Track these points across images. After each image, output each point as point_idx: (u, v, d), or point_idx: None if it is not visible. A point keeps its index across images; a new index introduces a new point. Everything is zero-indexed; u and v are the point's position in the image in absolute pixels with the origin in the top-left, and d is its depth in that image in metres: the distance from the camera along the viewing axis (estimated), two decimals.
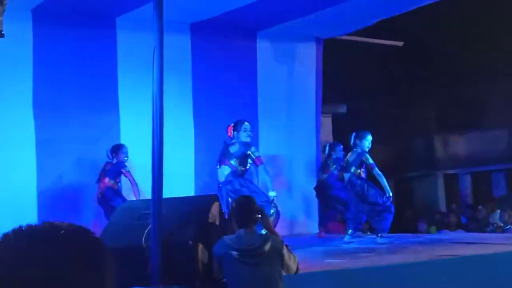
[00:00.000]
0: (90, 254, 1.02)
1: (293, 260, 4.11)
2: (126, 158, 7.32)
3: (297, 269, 4.17)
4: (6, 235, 1.02)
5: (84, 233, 1.05)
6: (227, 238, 4.08)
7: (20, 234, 1.02)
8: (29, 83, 7.47)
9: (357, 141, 7.44)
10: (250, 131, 7.03)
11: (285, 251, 4.04)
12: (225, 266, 4.07)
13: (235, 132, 7.01)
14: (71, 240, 1.02)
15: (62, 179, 7.55)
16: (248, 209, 4.15)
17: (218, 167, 7.06)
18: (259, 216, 4.21)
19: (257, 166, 7.01)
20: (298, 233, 8.86)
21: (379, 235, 7.19)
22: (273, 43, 9.32)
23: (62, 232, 1.02)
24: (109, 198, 7.14)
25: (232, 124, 7.09)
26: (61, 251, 0.99)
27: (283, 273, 4.08)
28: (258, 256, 3.98)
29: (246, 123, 7.04)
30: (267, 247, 3.97)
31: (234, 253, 3.97)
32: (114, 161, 7.31)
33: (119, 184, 7.36)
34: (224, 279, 4.15)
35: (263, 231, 4.30)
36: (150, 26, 4.55)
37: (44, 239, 1.00)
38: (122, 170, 7.24)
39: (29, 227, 1.03)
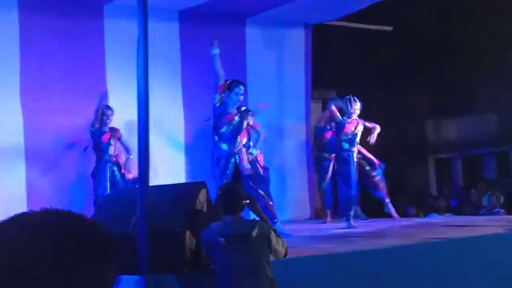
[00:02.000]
0: (91, 241, 1.01)
1: (281, 245, 4.12)
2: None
3: (286, 254, 4.18)
4: (5, 220, 1.01)
5: (86, 221, 1.04)
6: (215, 225, 4.09)
7: (19, 221, 1.01)
8: (16, 73, 7.43)
9: None
10: (241, 95, 6.72)
11: (272, 236, 4.06)
12: (212, 252, 4.09)
13: (227, 91, 6.74)
14: (71, 228, 1.01)
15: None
16: (234, 196, 4.16)
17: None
18: (247, 202, 4.22)
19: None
20: (288, 219, 8.89)
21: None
22: (262, 29, 9.30)
23: (62, 219, 1.01)
24: None
25: (228, 81, 6.80)
26: (61, 239, 0.98)
27: (272, 258, 4.11)
28: (245, 242, 3.99)
29: (241, 85, 6.74)
30: (255, 233, 3.99)
31: (221, 239, 3.99)
32: None
33: None
34: (212, 266, 4.17)
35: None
36: (136, 13, 4.52)
37: (44, 226, 0.99)
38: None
39: (28, 212, 1.02)
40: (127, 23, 7.41)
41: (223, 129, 6.61)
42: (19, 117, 7.42)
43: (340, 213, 7.95)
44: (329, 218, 8.45)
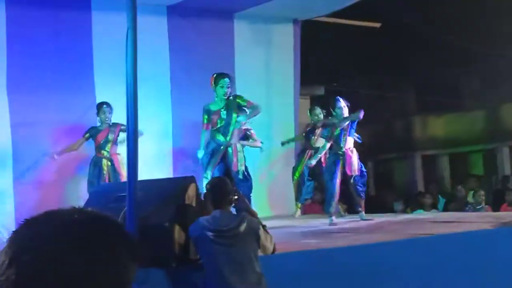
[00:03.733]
0: (118, 241, 1.03)
1: (270, 241, 4.13)
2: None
3: (274, 250, 4.19)
4: (33, 218, 1.02)
5: (114, 222, 1.05)
6: (203, 219, 4.09)
7: (48, 217, 1.02)
8: (3, 66, 7.38)
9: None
10: (228, 87, 6.76)
11: (261, 231, 4.06)
12: (201, 247, 4.09)
13: (213, 85, 6.81)
14: (101, 228, 1.03)
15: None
16: (222, 190, 4.17)
17: None
18: (235, 197, 4.23)
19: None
20: (276, 215, 8.89)
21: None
22: (251, 24, 9.29)
23: (93, 219, 1.03)
24: None
25: (214, 75, 6.85)
26: (91, 238, 1.00)
27: (260, 254, 4.11)
28: (233, 236, 3.99)
29: (226, 78, 6.78)
30: (243, 227, 4.00)
31: (209, 233, 3.99)
32: None
33: None
34: (201, 260, 4.16)
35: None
36: (125, 7, 4.50)
37: (75, 225, 1.01)
38: None
39: (58, 210, 1.04)
40: (115, 16, 7.39)
41: (217, 126, 6.81)
42: (5, 112, 7.36)
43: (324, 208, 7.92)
44: (299, 212, 8.45)
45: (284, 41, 9.64)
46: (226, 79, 6.71)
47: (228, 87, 6.74)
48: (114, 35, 7.42)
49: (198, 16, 8.69)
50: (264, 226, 4.18)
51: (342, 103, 7.49)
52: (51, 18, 7.70)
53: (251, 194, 6.66)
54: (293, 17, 9.65)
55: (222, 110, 6.76)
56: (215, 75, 6.76)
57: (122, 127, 7.26)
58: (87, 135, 7.39)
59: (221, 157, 6.72)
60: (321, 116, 8.35)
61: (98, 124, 7.46)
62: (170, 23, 8.59)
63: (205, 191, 4.32)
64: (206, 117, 6.85)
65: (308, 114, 8.69)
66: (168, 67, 8.58)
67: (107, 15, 7.87)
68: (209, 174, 6.60)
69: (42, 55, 7.63)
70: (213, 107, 6.84)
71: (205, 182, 6.08)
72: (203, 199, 4.38)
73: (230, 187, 4.28)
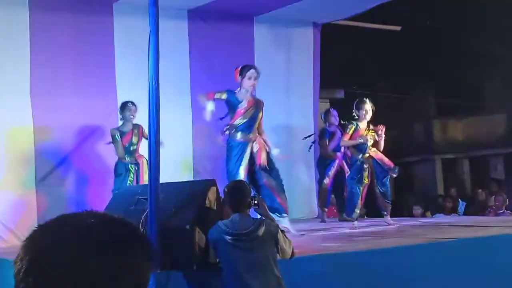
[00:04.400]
0: (134, 244, 1.04)
1: (288, 245, 4.12)
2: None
3: (293, 254, 4.18)
4: (47, 224, 1.03)
5: (128, 225, 1.06)
6: (222, 223, 4.10)
7: (62, 222, 1.03)
8: (26, 70, 7.46)
9: None
10: (255, 79, 6.37)
11: (280, 235, 4.06)
12: (220, 250, 4.09)
13: (239, 77, 6.40)
14: (116, 231, 1.04)
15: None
16: (240, 193, 4.16)
17: None
18: (255, 202, 4.22)
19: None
20: (295, 218, 8.89)
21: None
22: (271, 28, 9.30)
23: (107, 222, 1.04)
24: None
25: (239, 67, 6.46)
26: (107, 241, 1.01)
27: (279, 257, 4.11)
28: (251, 240, 3.99)
29: (252, 69, 6.38)
30: (261, 231, 3.99)
31: (228, 237, 3.99)
32: None
33: None
34: (220, 264, 4.17)
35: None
36: (146, 12, 4.54)
37: (91, 228, 1.02)
38: None
39: (72, 215, 1.05)
40: (136, 21, 7.44)
41: (238, 121, 6.36)
42: (29, 116, 7.45)
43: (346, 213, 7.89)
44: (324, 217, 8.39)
45: (304, 44, 9.64)
46: (253, 70, 6.38)
47: (256, 79, 6.39)
48: (135, 39, 7.48)
49: (219, 19, 8.72)
50: (282, 232, 4.17)
51: (368, 105, 7.23)
52: (73, 23, 7.77)
53: (282, 182, 6.43)
54: (313, 20, 9.65)
55: (251, 107, 6.40)
56: (240, 67, 6.44)
57: (145, 132, 7.21)
58: (117, 136, 7.18)
59: (248, 158, 6.32)
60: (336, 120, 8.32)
61: (120, 123, 7.36)
62: (190, 27, 8.64)
63: (223, 195, 4.33)
64: (230, 102, 6.38)
65: (322, 117, 8.63)
66: (188, 70, 8.62)
67: (129, 20, 7.93)
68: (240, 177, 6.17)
69: (65, 60, 7.71)
70: (239, 99, 6.41)
71: None
72: (221, 202, 4.39)
73: (248, 190, 4.29)
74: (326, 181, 8.31)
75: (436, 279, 5.24)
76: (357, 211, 7.18)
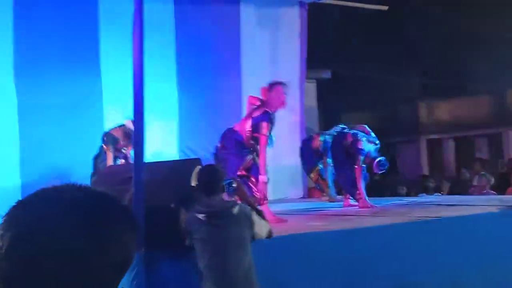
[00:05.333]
0: (111, 216, 1.03)
1: (264, 226, 4.08)
2: None
3: (270, 235, 4.12)
4: (27, 199, 1.01)
5: (107, 197, 1.06)
6: (195, 207, 4.06)
7: (45, 197, 1.02)
8: (9, 50, 7.38)
9: None
10: (284, 93, 6.15)
11: (255, 217, 4.03)
12: (194, 231, 4.00)
13: (268, 93, 6.19)
14: (94, 202, 1.03)
15: None
16: (213, 178, 4.13)
17: None
18: (233, 186, 4.20)
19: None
20: (282, 197, 8.94)
21: None
22: (257, 7, 9.27)
23: (84, 193, 1.03)
24: None
25: (267, 85, 6.24)
26: (83, 212, 1.00)
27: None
28: (226, 217, 3.95)
29: (282, 85, 6.19)
30: (235, 210, 3.96)
31: (201, 216, 3.95)
32: None
33: None
34: (194, 245, 4.07)
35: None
36: None
37: (66, 200, 1.00)
38: None
39: (53, 188, 1.03)
40: (121, 0, 7.37)
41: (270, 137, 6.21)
42: (13, 96, 7.38)
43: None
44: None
45: (291, 25, 9.62)
46: (282, 86, 6.22)
47: (285, 94, 6.23)
48: (120, 17, 7.42)
49: None
50: (260, 212, 4.16)
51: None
52: (58, 1, 7.69)
53: None
54: (299, 0, 9.62)
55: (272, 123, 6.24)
56: (269, 83, 6.28)
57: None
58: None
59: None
60: None
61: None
62: (176, 6, 8.58)
63: (197, 180, 4.27)
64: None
65: None
66: (174, 51, 8.57)
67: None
68: None
69: (49, 38, 7.62)
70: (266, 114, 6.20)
71: None
72: (196, 188, 4.31)
73: (221, 173, 4.24)
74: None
75: (421, 258, 5.30)
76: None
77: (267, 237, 4.08)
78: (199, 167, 4.62)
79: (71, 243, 0.96)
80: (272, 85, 6.24)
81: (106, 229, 1.00)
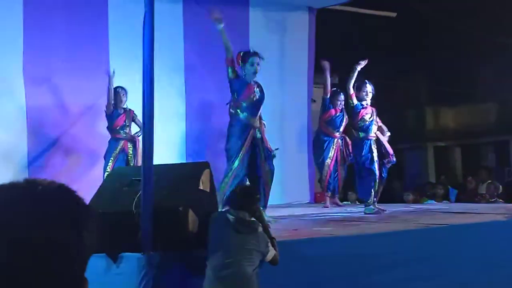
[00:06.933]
0: (69, 210, 1.02)
1: (271, 252, 4.14)
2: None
3: (274, 262, 4.18)
4: None
5: (64, 190, 1.05)
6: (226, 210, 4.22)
7: (0, 190, 1.01)
8: (19, 50, 7.41)
9: None
10: (258, 64, 6.16)
11: (270, 246, 4.13)
12: (216, 227, 4.12)
13: (242, 63, 6.20)
14: (50, 197, 1.02)
15: None
16: (251, 199, 4.25)
17: None
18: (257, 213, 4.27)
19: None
20: (289, 202, 8.93)
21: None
22: (266, 12, 9.28)
23: (41, 188, 1.02)
24: None
25: (241, 52, 6.26)
26: (40, 207, 0.99)
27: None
28: (249, 228, 4.09)
29: (256, 56, 6.18)
30: (260, 229, 4.11)
31: (231, 217, 4.07)
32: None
33: None
34: (210, 240, 4.14)
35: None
36: None
37: (23, 195, 1.00)
38: None
39: (9, 183, 1.02)
40: (131, 2, 7.39)
41: (245, 103, 6.13)
42: (22, 95, 7.41)
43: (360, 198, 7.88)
44: (327, 203, 8.34)
45: (299, 29, 9.62)
46: (257, 57, 6.21)
47: (258, 65, 6.20)
48: (130, 19, 7.42)
49: (213, 2, 8.65)
50: (273, 239, 4.23)
51: (369, 87, 7.35)
52: (67, 2, 7.71)
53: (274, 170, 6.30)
54: (308, 5, 9.63)
55: (256, 88, 6.23)
56: (242, 53, 6.29)
57: (134, 115, 7.31)
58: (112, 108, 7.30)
59: (249, 143, 6.09)
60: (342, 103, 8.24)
61: (108, 111, 7.42)
62: (185, 10, 8.59)
63: (231, 194, 4.38)
64: (236, 82, 6.17)
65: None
66: (183, 54, 8.59)
67: (123, 1, 7.88)
68: (236, 164, 5.97)
69: (58, 39, 7.65)
70: (244, 82, 6.21)
71: (232, 173, 5.88)
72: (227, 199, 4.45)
73: (256, 198, 4.37)
74: (328, 162, 8.19)
75: (428, 265, 5.28)
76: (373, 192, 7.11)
77: (270, 262, 4.13)
78: (208, 170, 4.64)
79: (36, 240, 0.96)
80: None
81: (71, 221, 1.00)
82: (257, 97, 6.21)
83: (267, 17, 9.30)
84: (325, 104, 8.34)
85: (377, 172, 7.12)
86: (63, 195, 1.04)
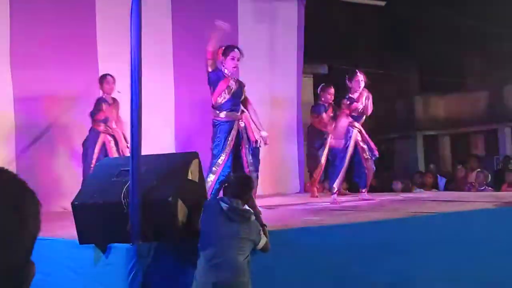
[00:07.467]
0: (9, 193, 1.01)
1: (263, 240, 4.17)
2: None
3: (265, 249, 4.21)
4: None
5: (4, 173, 1.04)
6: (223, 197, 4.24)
7: None
8: (6, 40, 7.36)
9: None
10: (238, 59, 6.18)
11: (262, 235, 4.17)
12: (209, 214, 4.14)
13: (222, 57, 6.20)
14: (10, 184, 1.01)
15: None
16: (247, 188, 4.28)
17: None
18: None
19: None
20: (278, 193, 8.94)
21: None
22: (255, 2, 9.24)
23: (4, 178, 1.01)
24: None
25: (222, 47, 6.23)
26: (9, 196, 0.99)
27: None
28: (242, 217, 4.11)
29: (236, 50, 6.21)
30: (252, 218, 4.14)
31: (225, 205, 4.08)
32: None
33: None
34: (201, 227, 4.16)
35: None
36: None
37: None
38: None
39: None
40: None
41: (220, 98, 6.16)
42: (9, 86, 7.36)
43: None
44: (316, 193, 8.35)
45: (288, 19, 9.59)
46: (237, 50, 6.23)
47: (238, 59, 6.23)
48: (117, 8, 7.39)
49: None
50: (264, 226, 4.26)
51: (361, 77, 7.38)
52: None
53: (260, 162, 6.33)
54: None
55: (232, 80, 6.23)
56: (223, 47, 6.27)
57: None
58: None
59: (234, 136, 6.11)
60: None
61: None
62: (173, 0, 8.55)
63: (227, 183, 4.40)
64: (214, 76, 6.17)
65: (318, 92, 8.51)
66: (171, 44, 8.55)
67: None
68: (221, 161, 6.01)
69: (46, 29, 7.60)
70: (222, 76, 6.21)
71: (216, 169, 5.91)
72: (221, 188, 4.47)
73: (252, 185, 4.44)
74: (323, 157, 8.20)
75: (417, 253, 5.30)
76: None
77: (261, 250, 4.17)
78: (197, 160, 4.63)
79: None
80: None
81: (19, 209, 1.00)
82: (234, 90, 6.19)
83: (256, 7, 9.26)
84: (314, 111, 8.38)
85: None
86: (6, 180, 1.03)
